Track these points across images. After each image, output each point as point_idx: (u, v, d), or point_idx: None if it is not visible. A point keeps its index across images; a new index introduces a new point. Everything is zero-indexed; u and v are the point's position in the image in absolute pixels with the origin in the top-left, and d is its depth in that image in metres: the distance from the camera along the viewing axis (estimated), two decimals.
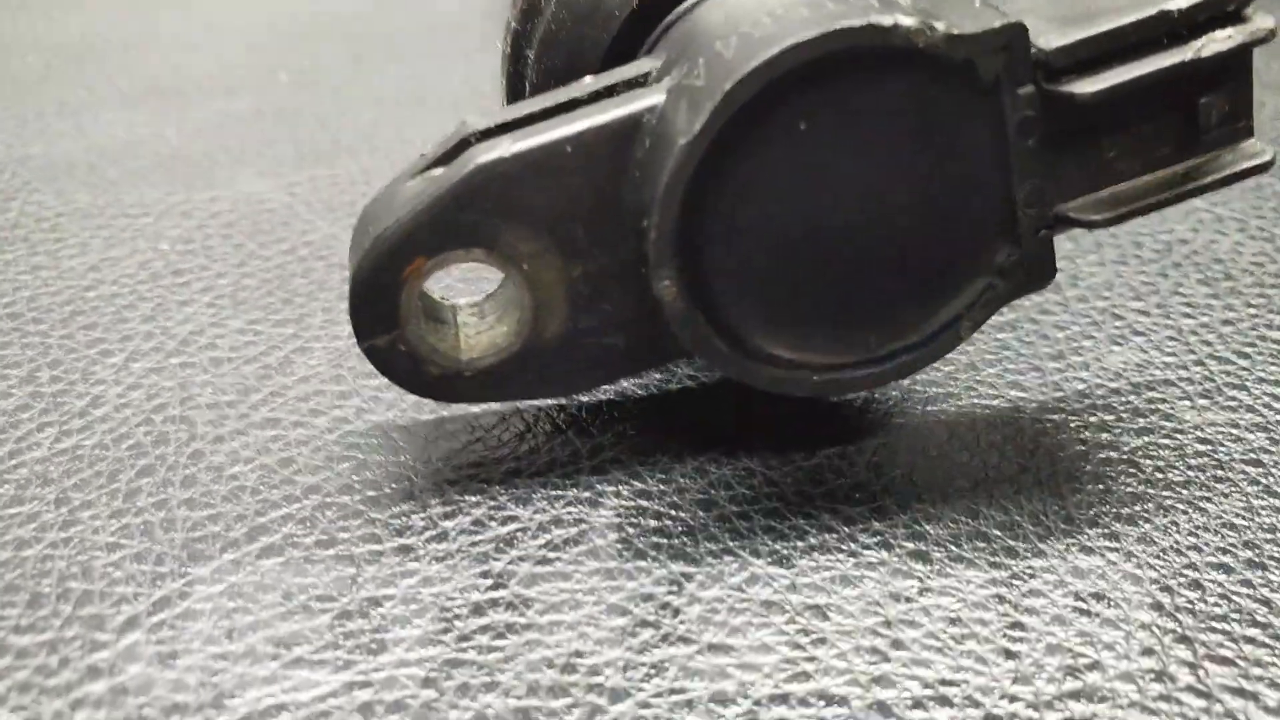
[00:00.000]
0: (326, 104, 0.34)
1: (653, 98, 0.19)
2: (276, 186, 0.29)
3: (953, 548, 0.19)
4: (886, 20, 0.17)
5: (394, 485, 0.20)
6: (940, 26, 0.18)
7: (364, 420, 0.22)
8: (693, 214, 0.18)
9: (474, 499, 0.20)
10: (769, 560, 0.19)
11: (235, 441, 0.21)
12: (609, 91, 0.19)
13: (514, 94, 0.23)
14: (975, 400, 0.22)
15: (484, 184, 0.19)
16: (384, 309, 0.19)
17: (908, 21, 0.17)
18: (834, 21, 0.17)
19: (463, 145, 0.19)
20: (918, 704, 0.17)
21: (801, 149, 0.18)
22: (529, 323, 0.20)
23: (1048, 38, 0.18)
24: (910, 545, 0.19)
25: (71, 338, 0.24)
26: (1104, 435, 0.21)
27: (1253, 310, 0.24)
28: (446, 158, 0.19)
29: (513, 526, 0.20)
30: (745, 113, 0.17)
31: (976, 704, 0.17)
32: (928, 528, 0.19)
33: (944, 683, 0.17)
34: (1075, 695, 0.17)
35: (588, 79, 0.20)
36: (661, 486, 0.20)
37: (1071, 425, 0.21)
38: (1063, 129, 0.18)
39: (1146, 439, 0.21)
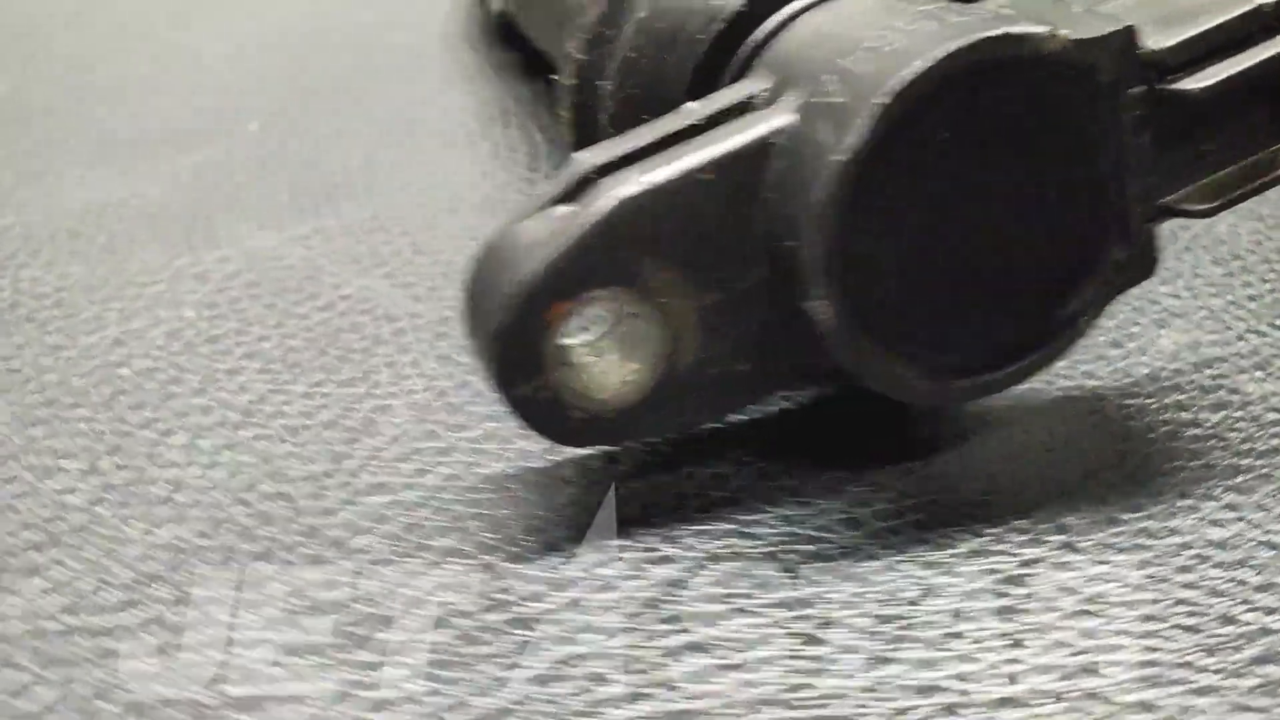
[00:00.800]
0: (308, 146, 0.32)
1: (779, 119, 0.19)
2: (286, 240, 0.28)
3: (1096, 534, 0.19)
4: (1018, 29, 0.18)
5: (532, 538, 0.20)
6: (1064, 33, 0.18)
7: (475, 474, 0.21)
8: (843, 229, 0.18)
9: (620, 543, 0.19)
10: (936, 571, 0.19)
11: (347, 511, 0.20)
12: (722, 116, 0.19)
13: (582, 124, 0.22)
14: (1059, 393, 0.23)
15: (625, 218, 0.18)
16: (528, 357, 0.18)
17: (1036, 29, 0.18)
18: (973, 32, 0.18)
19: (586, 181, 0.19)
20: (1123, 688, 0.17)
21: (941, 159, 0.18)
22: (665, 356, 0.19)
23: (1155, 38, 0.19)
24: (1058, 538, 0.19)
25: (122, 421, 0.22)
26: (1184, 414, 0.22)
27: (1269, 284, 0.26)
28: (570, 195, 0.19)
29: (671, 567, 0.19)
30: (893, 125, 0.18)
31: (1185, 681, 0.17)
32: (1068, 519, 0.20)
33: (1145, 664, 0.17)
34: (1261, 660, 0.17)
35: (693, 105, 0.20)
36: (801, 510, 0.20)
37: (1152, 408, 0.22)
38: (1169, 124, 0.19)
39: (1224, 413, 0.22)
